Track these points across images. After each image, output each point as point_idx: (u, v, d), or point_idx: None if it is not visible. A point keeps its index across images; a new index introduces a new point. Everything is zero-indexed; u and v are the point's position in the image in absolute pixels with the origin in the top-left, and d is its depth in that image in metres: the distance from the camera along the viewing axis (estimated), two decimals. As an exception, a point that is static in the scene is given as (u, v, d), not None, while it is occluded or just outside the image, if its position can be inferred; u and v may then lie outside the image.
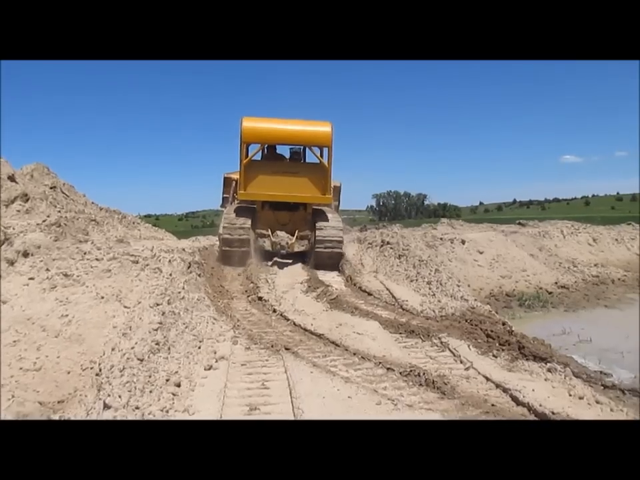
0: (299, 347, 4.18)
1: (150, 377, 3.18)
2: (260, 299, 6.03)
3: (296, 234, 8.53)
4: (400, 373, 3.58)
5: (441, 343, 4.39)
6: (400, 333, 4.72)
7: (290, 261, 8.53)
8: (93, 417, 2.78)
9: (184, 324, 4.33)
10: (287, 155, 9.00)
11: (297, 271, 7.92)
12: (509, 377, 3.53)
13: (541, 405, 2.99)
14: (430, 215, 66.66)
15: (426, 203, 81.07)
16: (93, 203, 10.80)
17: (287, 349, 4.09)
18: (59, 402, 3.54)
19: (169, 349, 3.72)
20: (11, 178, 7.67)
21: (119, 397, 2.79)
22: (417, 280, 6.87)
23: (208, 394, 3.20)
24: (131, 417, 2.65)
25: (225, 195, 10.14)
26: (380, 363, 3.79)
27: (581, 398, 3.17)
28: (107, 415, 2.64)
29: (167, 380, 3.23)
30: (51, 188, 9.18)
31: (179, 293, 5.03)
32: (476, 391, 3.38)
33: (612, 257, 11.87)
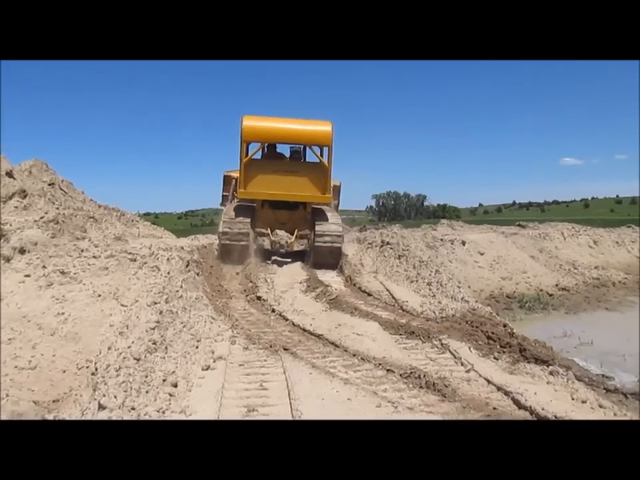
0: (297, 348, 4.14)
1: (146, 376, 3.13)
2: (259, 298, 6.00)
3: (295, 233, 8.49)
4: (400, 375, 3.54)
5: (442, 344, 4.34)
6: (400, 334, 4.68)
7: (289, 260, 8.52)
8: (88, 417, 2.73)
9: (182, 323, 4.29)
10: (287, 154, 8.96)
11: (296, 271, 7.88)
12: (511, 380, 3.49)
13: (543, 409, 2.94)
14: (429, 215, 66.57)
15: (425, 203, 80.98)
16: (91, 200, 10.75)
17: (285, 349, 4.04)
18: (54, 401, 3.49)
19: (166, 348, 3.68)
20: (9, 174, 7.64)
21: (115, 397, 2.75)
22: (417, 281, 6.82)
23: (205, 395, 3.15)
24: (126, 418, 2.60)
25: (224, 193, 10.13)
26: (380, 364, 3.75)
27: (583, 402, 3.13)
28: (102, 416, 2.59)
29: (164, 380, 3.18)
30: (50, 184, 9.13)
31: (177, 291, 4.98)
32: (477, 393, 3.33)
33: (612, 259, 11.84)
